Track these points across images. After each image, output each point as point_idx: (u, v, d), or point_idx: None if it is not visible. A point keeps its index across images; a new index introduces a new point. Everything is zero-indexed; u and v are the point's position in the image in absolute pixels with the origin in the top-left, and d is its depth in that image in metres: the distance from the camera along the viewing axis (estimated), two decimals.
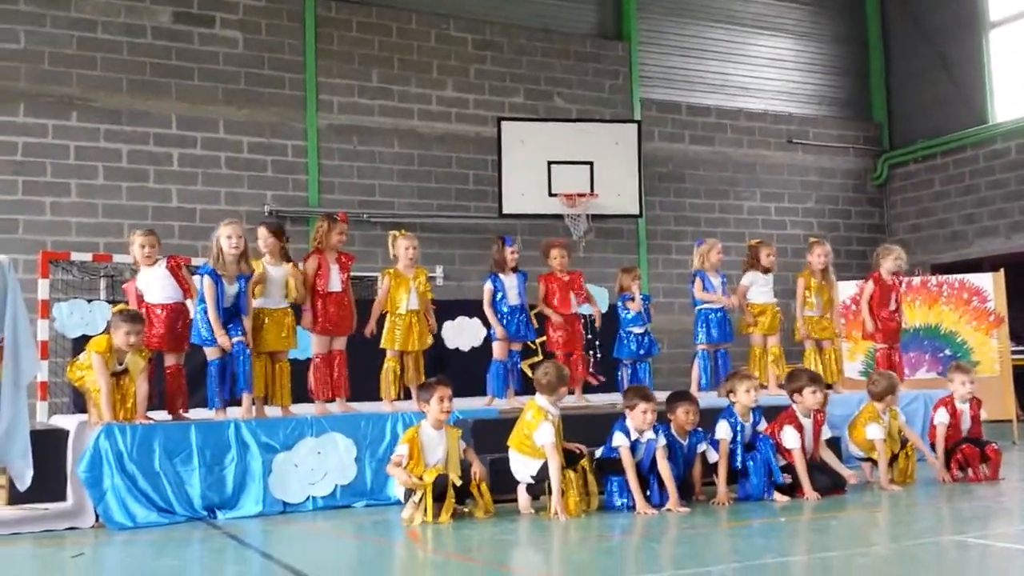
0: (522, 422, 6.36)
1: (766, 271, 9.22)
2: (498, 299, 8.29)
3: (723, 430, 6.67)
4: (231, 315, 6.93)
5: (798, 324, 9.20)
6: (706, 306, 9.01)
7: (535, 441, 6.21)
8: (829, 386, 8.92)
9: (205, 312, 6.85)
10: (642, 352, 8.92)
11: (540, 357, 8.51)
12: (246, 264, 7.02)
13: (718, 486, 6.62)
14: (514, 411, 6.99)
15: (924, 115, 16.38)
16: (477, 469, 6.24)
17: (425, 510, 5.96)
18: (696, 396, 7.26)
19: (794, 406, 6.93)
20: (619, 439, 6.36)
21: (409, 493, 6.14)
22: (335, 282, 7.46)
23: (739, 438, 6.67)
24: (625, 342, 8.94)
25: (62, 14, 11.83)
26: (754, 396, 6.75)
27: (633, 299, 8.90)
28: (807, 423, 6.90)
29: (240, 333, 6.90)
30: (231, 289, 6.91)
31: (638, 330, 8.93)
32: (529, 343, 8.66)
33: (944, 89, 16.06)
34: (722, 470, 6.61)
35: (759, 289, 9.20)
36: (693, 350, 9.20)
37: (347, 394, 7.52)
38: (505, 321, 8.27)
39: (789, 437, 6.77)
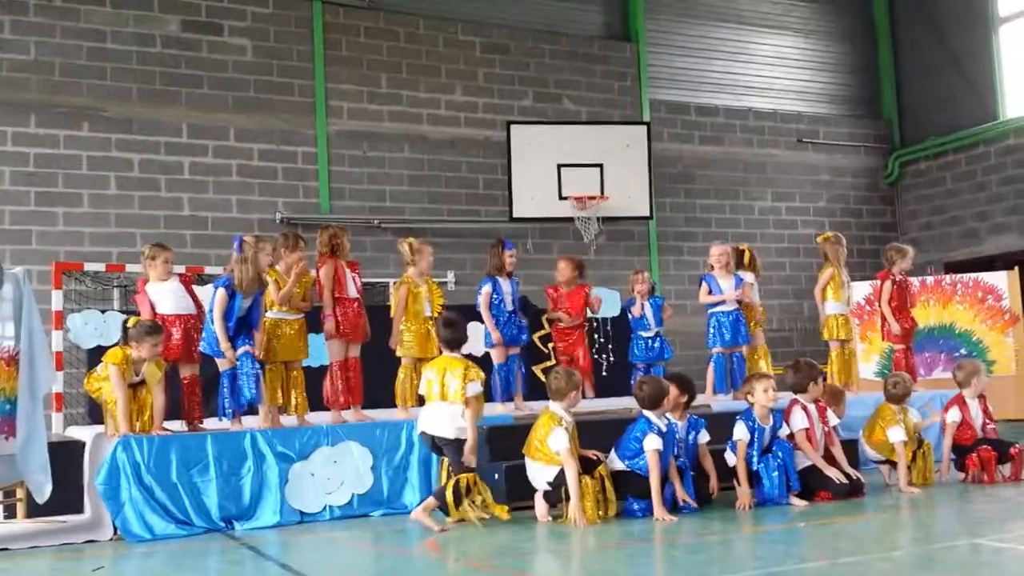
0: (536, 429, 6.36)
1: (749, 268, 9.21)
2: (495, 302, 8.23)
3: (740, 431, 6.65)
4: (240, 326, 6.91)
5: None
6: (717, 309, 8.96)
7: (549, 447, 6.20)
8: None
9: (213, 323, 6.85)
10: (653, 355, 8.88)
11: (553, 361, 8.50)
12: (263, 283, 7.03)
13: (739, 489, 6.59)
14: (529, 417, 6.98)
15: (935, 112, 16.33)
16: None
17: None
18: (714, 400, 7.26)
19: (799, 397, 6.93)
20: (653, 442, 6.25)
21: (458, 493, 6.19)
22: (351, 288, 7.47)
23: (756, 440, 6.64)
24: (636, 346, 8.93)
25: (71, 25, 11.87)
26: (772, 396, 6.73)
27: (635, 303, 8.88)
28: (813, 410, 6.91)
29: (248, 343, 6.89)
30: (246, 303, 6.91)
31: (647, 334, 8.91)
32: (542, 347, 8.64)
33: (954, 85, 16.00)
34: (741, 472, 6.57)
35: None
36: (707, 352, 9.16)
37: (360, 401, 7.51)
38: (501, 325, 8.22)
39: (797, 418, 6.78)
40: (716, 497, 6.72)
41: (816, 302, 9.39)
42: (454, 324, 6.60)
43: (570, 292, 8.68)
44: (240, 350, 6.85)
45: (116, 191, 11.88)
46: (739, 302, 8.91)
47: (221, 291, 6.80)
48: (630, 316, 8.95)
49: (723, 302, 8.89)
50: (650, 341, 8.88)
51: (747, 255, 9.28)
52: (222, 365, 6.93)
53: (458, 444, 6.19)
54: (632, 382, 8.96)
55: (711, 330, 8.97)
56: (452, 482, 6.16)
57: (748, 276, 9.13)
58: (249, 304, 6.92)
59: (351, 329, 7.39)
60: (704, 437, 6.77)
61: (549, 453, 6.21)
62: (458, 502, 6.11)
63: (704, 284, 8.97)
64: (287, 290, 7.13)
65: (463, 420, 6.20)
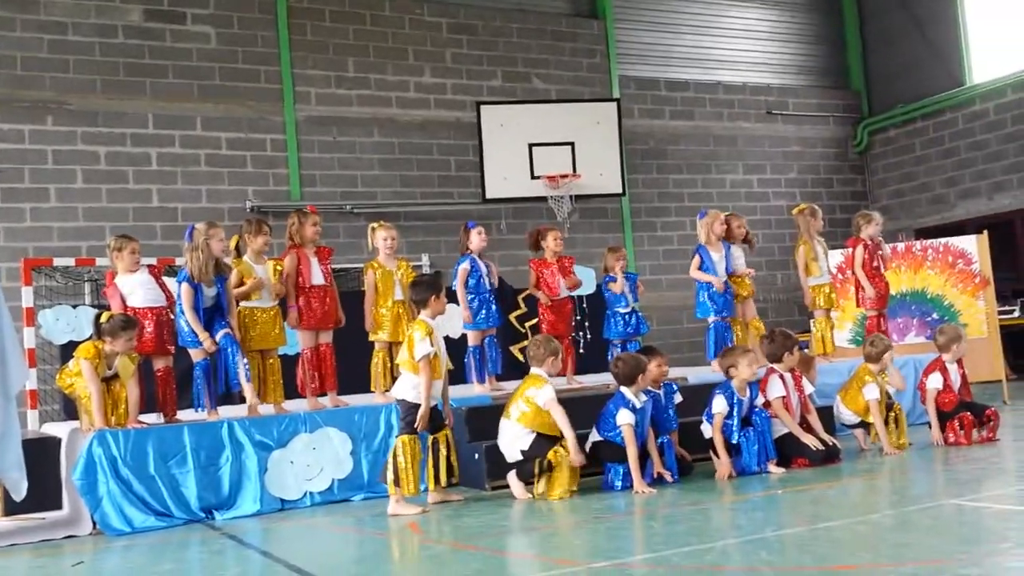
0: (518, 390, 6.40)
1: (743, 242, 9.18)
2: (475, 281, 8.17)
3: (720, 404, 6.68)
4: (212, 313, 6.89)
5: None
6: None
7: (536, 401, 6.23)
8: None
9: (184, 314, 6.81)
10: (630, 331, 8.90)
11: (528, 341, 8.48)
12: (224, 266, 6.99)
13: (718, 460, 6.64)
14: (506, 396, 6.98)
15: (902, 80, 16.41)
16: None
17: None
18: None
19: (775, 366, 6.99)
20: (625, 416, 6.33)
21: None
22: (316, 275, 7.39)
23: (736, 413, 6.69)
24: (613, 322, 8.93)
25: (31, 17, 11.70)
26: (755, 370, 6.79)
27: (615, 279, 8.87)
28: (789, 379, 6.97)
29: (225, 326, 6.87)
30: (210, 292, 6.88)
31: (624, 310, 8.91)
32: (518, 327, 8.64)
33: (920, 52, 16.09)
34: (719, 444, 6.62)
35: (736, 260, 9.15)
36: (682, 326, 9.19)
37: (335, 387, 7.49)
38: (478, 305, 8.20)
39: (774, 387, 6.84)
40: (694, 470, 6.78)
41: (800, 276, 9.38)
42: (416, 283, 6.52)
43: (560, 265, 8.62)
44: (220, 334, 6.82)
45: (83, 184, 11.76)
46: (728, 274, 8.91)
47: (185, 285, 6.78)
48: (607, 293, 8.92)
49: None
50: (627, 317, 8.89)
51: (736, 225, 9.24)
52: (195, 356, 6.90)
53: (406, 405, 6.15)
54: (609, 359, 9.03)
55: (702, 300, 8.93)
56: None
57: (736, 247, 9.12)
58: (214, 292, 6.88)
59: (316, 319, 7.35)
60: (678, 398, 6.95)
61: (535, 406, 6.26)
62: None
63: (697, 256, 8.89)
64: (241, 291, 7.10)
65: (409, 384, 6.15)
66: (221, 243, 6.94)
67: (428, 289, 6.29)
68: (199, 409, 7.02)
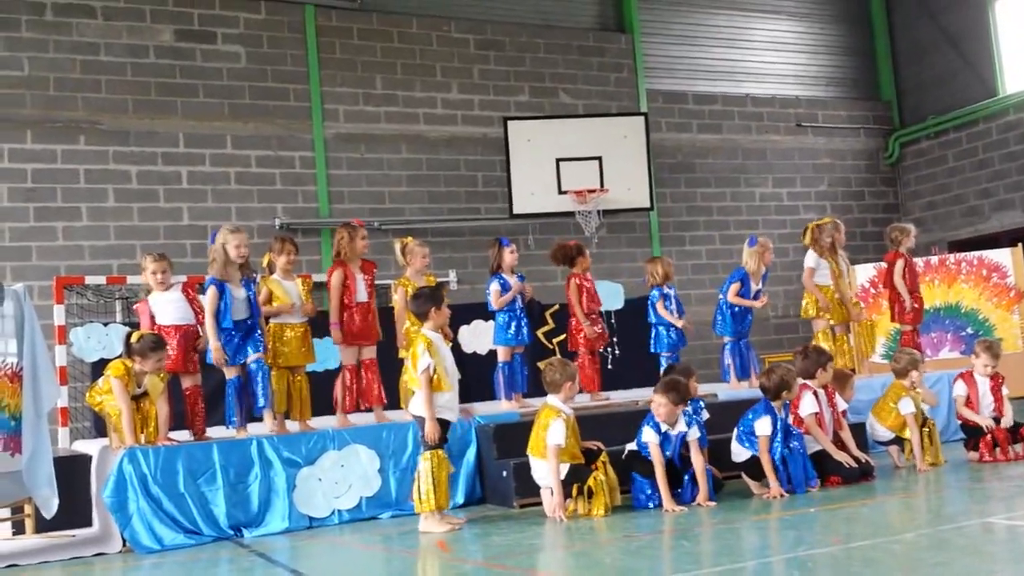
0: (537, 425, 6.33)
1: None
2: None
3: (765, 426, 6.45)
4: (249, 330, 6.89)
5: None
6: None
7: (547, 441, 6.16)
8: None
9: (221, 330, 6.82)
10: (681, 344, 8.74)
11: (556, 356, 8.44)
12: (249, 270, 7.01)
13: (755, 483, 6.54)
14: (534, 413, 6.94)
15: (933, 91, 16.24)
16: None
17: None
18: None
19: (808, 382, 6.90)
20: (648, 435, 6.29)
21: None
22: (361, 292, 7.43)
23: (779, 432, 6.53)
24: (663, 336, 8.74)
25: (64, 39, 11.85)
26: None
27: (663, 293, 8.72)
28: (822, 395, 6.88)
29: (260, 350, 6.88)
30: (239, 293, 6.87)
31: (676, 323, 8.72)
32: (546, 343, 8.60)
33: (952, 63, 15.92)
34: (767, 465, 6.40)
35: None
36: (710, 342, 9.12)
37: (382, 401, 7.48)
38: (507, 321, 8.15)
39: (807, 403, 6.76)
40: (724, 487, 6.70)
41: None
42: (417, 296, 6.42)
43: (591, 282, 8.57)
44: (252, 357, 6.83)
45: (115, 203, 11.86)
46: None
47: (211, 288, 6.80)
48: (654, 307, 8.76)
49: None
50: (678, 331, 8.72)
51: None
52: (229, 373, 6.92)
53: (422, 421, 6.08)
54: (660, 372, 8.89)
55: (726, 318, 8.88)
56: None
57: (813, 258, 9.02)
58: (244, 296, 6.86)
59: (357, 335, 7.37)
60: (704, 415, 6.82)
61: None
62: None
63: (739, 282, 8.81)
64: (268, 311, 7.13)
65: (418, 401, 6.10)
66: (238, 248, 6.91)
67: (428, 301, 6.22)
68: (230, 426, 7.04)
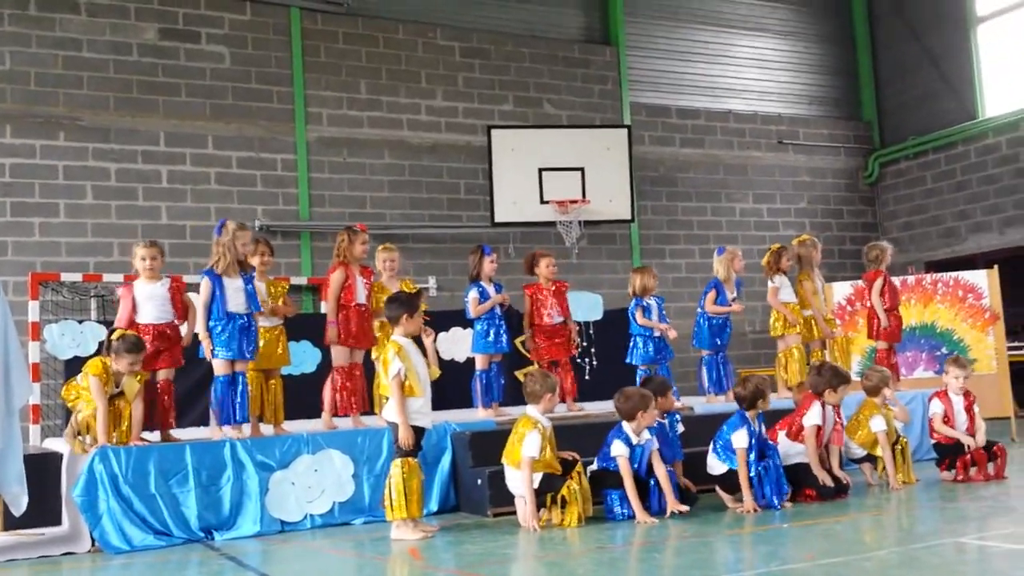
0: (514, 435, 6.32)
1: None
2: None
3: (742, 439, 6.50)
4: (243, 337, 6.76)
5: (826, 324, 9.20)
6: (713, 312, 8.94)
7: (522, 452, 6.15)
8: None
9: (213, 327, 6.74)
10: (659, 356, 8.56)
11: (535, 367, 8.42)
12: (247, 265, 6.99)
13: (730, 496, 6.56)
14: (510, 422, 6.93)
15: (914, 112, 16.39)
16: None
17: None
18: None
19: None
20: (618, 448, 6.31)
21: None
22: (361, 295, 7.43)
23: (754, 445, 6.56)
24: (639, 347, 8.66)
25: (47, 34, 11.76)
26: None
27: (646, 303, 8.70)
28: (829, 412, 6.97)
29: (251, 356, 6.80)
30: (235, 284, 6.79)
31: (657, 333, 8.68)
32: (524, 352, 8.58)
33: (933, 85, 16.06)
34: (744, 478, 6.44)
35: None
36: (689, 355, 9.15)
37: (364, 408, 7.44)
38: (485, 331, 8.13)
39: (813, 413, 6.83)
40: (699, 501, 6.70)
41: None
42: (390, 301, 6.34)
43: (554, 291, 8.52)
44: (239, 366, 6.75)
45: (93, 200, 11.77)
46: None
47: (205, 278, 6.76)
48: (636, 317, 8.67)
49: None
50: (657, 342, 8.66)
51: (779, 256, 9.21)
52: (218, 369, 6.76)
53: (396, 427, 6.05)
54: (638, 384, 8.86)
55: (704, 332, 8.94)
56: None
57: (777, 278, 9.13)
58: (239, 285, 6.79)
59: (354, 337, 7.34)
60: (680, 428, 6.91)
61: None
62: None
63: (714, 290, 8.89)
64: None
65: (391, 407, 6.07)
66: (245, 247, 6.95)
67: (401, 307, 6.16)
68: (223, 424, 6.86)
